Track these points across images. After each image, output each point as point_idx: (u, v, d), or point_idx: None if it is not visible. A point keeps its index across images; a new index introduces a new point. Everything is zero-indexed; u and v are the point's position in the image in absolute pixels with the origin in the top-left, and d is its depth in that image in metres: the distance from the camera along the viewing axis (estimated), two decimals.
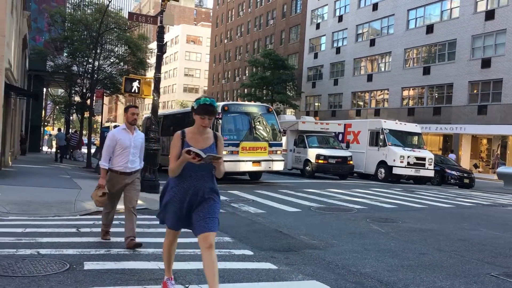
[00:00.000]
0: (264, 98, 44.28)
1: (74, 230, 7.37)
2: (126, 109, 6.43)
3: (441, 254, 6.83)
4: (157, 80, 13.29)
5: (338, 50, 44.84)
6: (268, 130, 18.00)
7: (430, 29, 34.69)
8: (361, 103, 42.45)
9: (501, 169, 24.13)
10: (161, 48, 13.29)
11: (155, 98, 13.26)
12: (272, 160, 17.51)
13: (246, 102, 19.56)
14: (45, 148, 39.06)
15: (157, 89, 13.32)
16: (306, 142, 23.27)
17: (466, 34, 31.80)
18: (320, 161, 22.24)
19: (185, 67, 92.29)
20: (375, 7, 40.31)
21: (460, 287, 5.23)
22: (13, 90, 16.31)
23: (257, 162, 17.03)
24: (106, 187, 6.19)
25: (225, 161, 16.20)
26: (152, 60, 31.76)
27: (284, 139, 23.39)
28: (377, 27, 40.65)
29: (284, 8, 54.67)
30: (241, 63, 64.37)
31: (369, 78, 40.57)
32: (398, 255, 6.64)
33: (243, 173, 18.49)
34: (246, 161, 16.87)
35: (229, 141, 16.48)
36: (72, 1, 31.19)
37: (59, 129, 36.52)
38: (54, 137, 34.34)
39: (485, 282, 5.47)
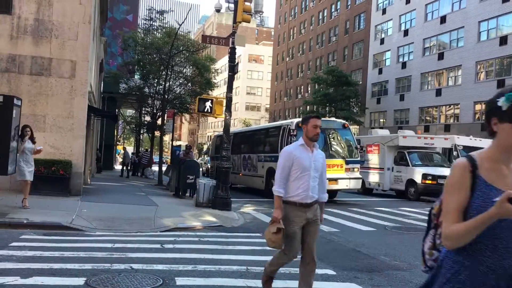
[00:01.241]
0: (327, 115, 43.99)
1: (158, 246, 7.64)
2: (305, 120, 4.79)
3: None
4: (229, 100, 13.62)
5: (404, 65, 43.83)
6: (344, 146, 17.48)
7: (503, 40, 33.13)
8: (429, 119, 41.09)
9: None
10: (233, 69, 13.64)
11: (227, 117, 13.57)
12: (349, 178, 16.84)
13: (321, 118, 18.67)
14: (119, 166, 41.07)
15: (229, 109, 13.64)
16: (408, 159, 20.43)
17: None
18: (427, 182, 19.20)
19: (247, 86, 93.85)
20: (443, 20, 39.15)
21: None
22: (94, 112, 17.32)
23: (334, 180, 16.16)
24: (282, 223, 4.56)
25: None
26: (216, 79, 32.64)
27: (376, 156, 21.77)
28: (446, 40, 39.36)
29: (347, 24, 54.37)
30: (303, 81, 64.49)
31: (438, 92, 39.24)
32: None
33: None
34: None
35: None
36: (142, 26, 32.84)
37: (124, 148, 38.59)
38: (123, 155, 36.06)
39: None
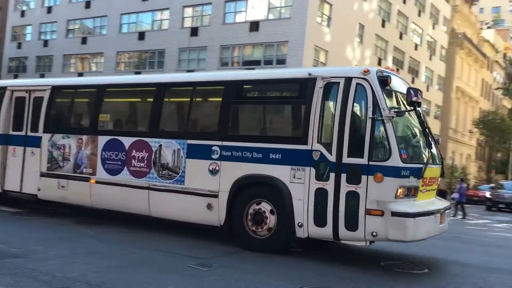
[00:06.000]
0: None
1: None
2: None
3: (151, 253, 7.20)
4: None
5: (46, 43, 41.72)
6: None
7: (142, 36, 35.91)
8: None
9: None
10: None
11: None
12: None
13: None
14: None
15: None
16: None
17: (173, 46, 34.20)
18: None
19: None
20: (88, 4, 39.15)
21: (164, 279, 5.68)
22: None
23: (442, 213, 7.52)
24: None
25: (398, 215, 6.86)
26: None
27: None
28: (90, 25, 39.69)
29: None
30: None
31: (80, 76, 39.29)
32: (107, 257, 6.71)
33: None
34: (429, 213, 7.15)
35: (411, 163, 6.97)
36: None
37: None
38: None
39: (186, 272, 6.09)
